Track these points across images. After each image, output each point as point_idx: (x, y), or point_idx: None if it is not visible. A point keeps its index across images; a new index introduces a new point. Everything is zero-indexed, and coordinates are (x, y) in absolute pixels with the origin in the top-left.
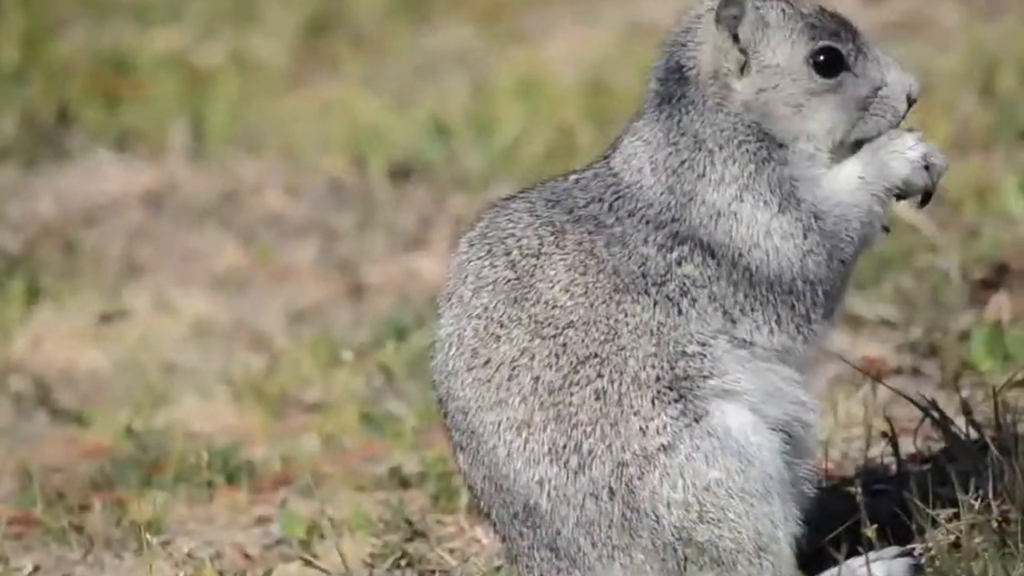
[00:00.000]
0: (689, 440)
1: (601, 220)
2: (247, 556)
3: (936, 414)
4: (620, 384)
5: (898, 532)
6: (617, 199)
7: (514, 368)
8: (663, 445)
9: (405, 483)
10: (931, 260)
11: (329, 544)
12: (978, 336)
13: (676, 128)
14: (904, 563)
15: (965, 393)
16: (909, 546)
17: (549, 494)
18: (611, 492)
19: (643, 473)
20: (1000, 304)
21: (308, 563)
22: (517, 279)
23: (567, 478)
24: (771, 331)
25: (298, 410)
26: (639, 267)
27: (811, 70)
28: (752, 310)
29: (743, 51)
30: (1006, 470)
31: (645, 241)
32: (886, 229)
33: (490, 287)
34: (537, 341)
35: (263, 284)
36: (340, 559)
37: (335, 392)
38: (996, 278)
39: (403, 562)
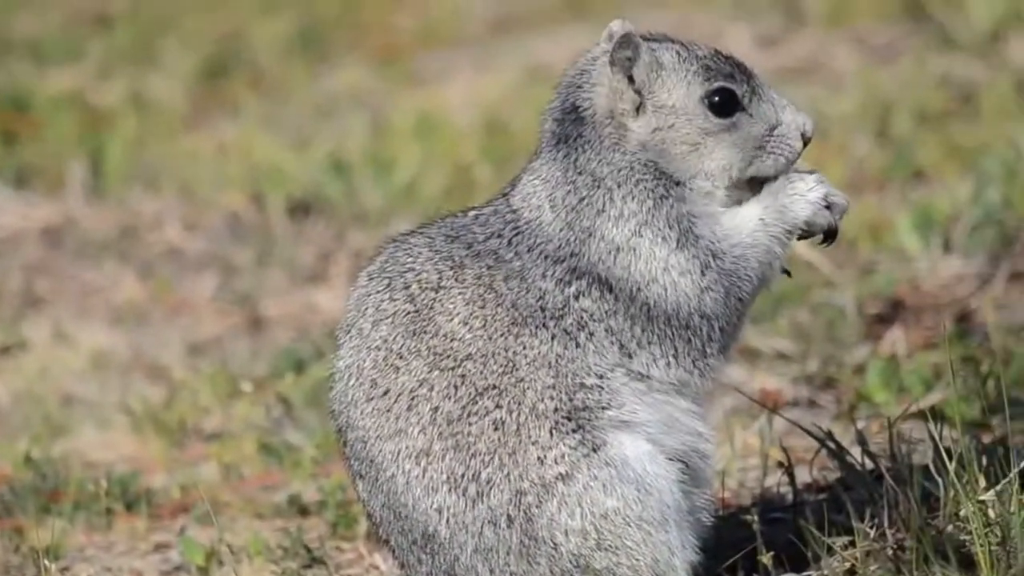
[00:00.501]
0: (587, 469)
1: (500, 255)
2: None
3: (832, 444)
4: (518, 415)
5: (794, 560)
6: (516, 235)
7: (413, 398)
8: (561, 474)
9: (304, 511)
10: (827, 295)
11: (228, 571)
12: (873, 369)
13: (574, 167)
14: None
15: (860, 424)
16: (805, 573)
17: (448, 522)
18: (509, 520)
19: (541, 501)
20: (895, 338)
21: None
22: (416, 312)
23: (465, 506)
24: (668, 365)
25: (197, 440)
26: (537, 301)
27: (706, 110)
28: (649, 344)
29: (638, 92)
30: (901, 499)
31: (543, 276)
32: (787, 272)
33: (389, 320)
34: (436, 372)
35: (162, 317)
36: None
37: (234, 422)
38: (891, 313)
39: None
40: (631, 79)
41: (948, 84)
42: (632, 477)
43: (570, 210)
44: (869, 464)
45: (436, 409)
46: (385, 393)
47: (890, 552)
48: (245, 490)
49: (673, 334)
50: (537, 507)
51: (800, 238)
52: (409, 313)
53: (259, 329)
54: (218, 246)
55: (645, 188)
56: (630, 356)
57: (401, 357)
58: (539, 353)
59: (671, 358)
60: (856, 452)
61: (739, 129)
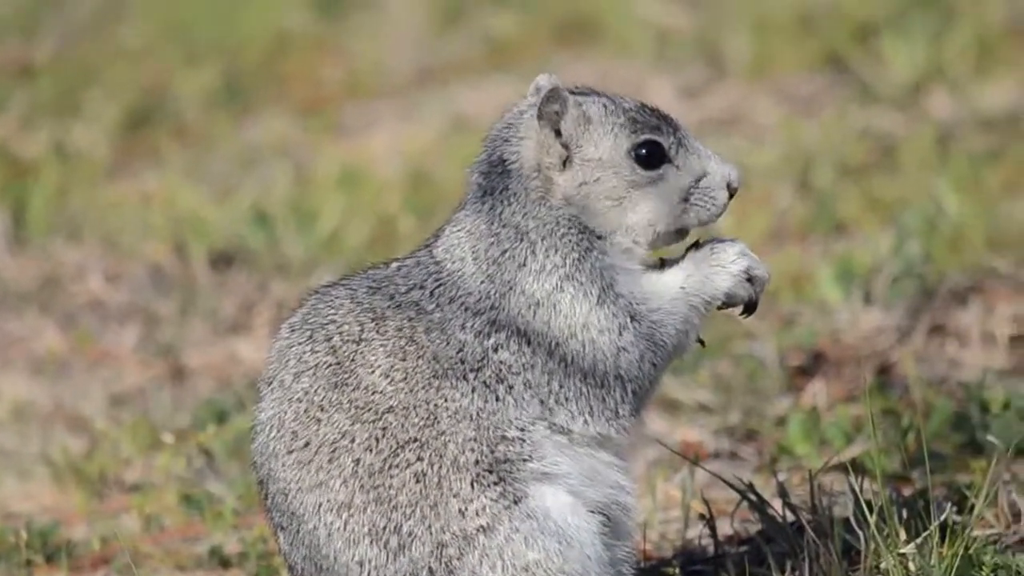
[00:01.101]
0: (508, 522)
1: (422, 307)
2: None
3: (753, 497)
4: (440, 467)
5: None
6: (438, 286)
7: (334, 451)
8: (482, 526)
9: (225, 563)
10: (748, 347)
11: None
12: (794, 421)
13: (498, 220)
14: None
15: (781, 476)
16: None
17: (369, 574)
18: (430, 572)
19: (462, 554)
20: (816, 390)
21: None
22: (338, 364)
23: (387, 559)
24: (586, 421)
25: (118, 491)
26: (457, 353)
27: (633, 163)
28: (567, 400)
29: (565, 146)
30: (821, 551)
31: (463, 327)
32: (701, 342)
33: (311, 372)
34: (357, 425)
35: (84, 368)
36: None
37: (156, 473)
38: (812, 365)
39: None
40: (558, 133)
41: (869, 137)
42: (553, 529)
43: (492, 262)
44: (790, 516)
45: (358, 461)
46: (306, 445)
47: None
48: (166, 541)
49: (589, 392)
50: (458, 559)
51: (720, 308)
52: (331, 365)
53: (181, 380)
54: (140, 297)
55: (569, 242)
56: (551, 410)
57: (323, 409)
58: (460, 406)
59: (587, 415)
60: (777, 504)
61: (666, 181)
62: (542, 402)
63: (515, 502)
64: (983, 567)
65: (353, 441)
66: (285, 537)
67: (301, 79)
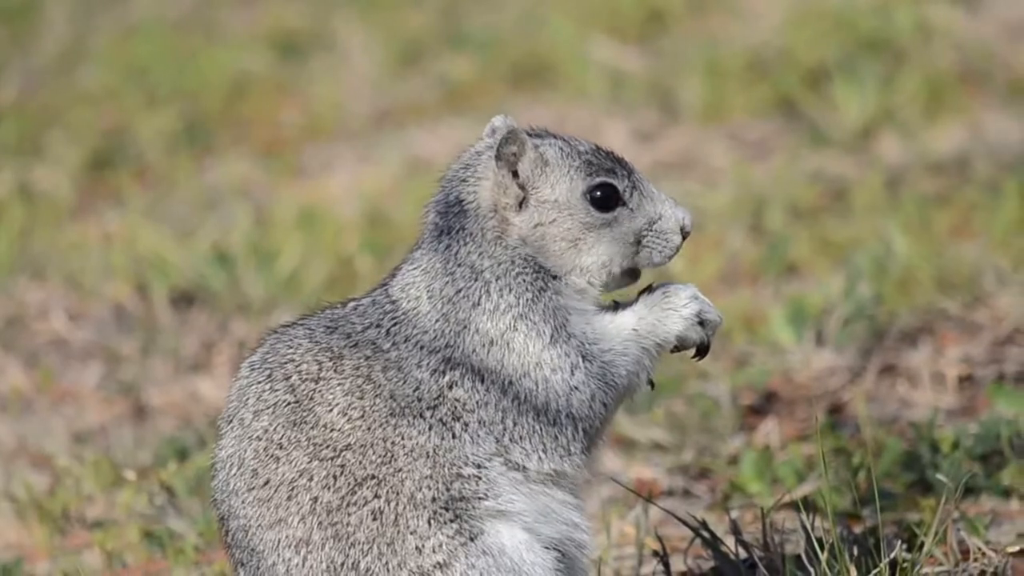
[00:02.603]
0: (464, 558)
1: (378, 345)
2: None
3: (706, 534)
4: (397, 504)
5: None
6: (394, 325)
7: (293, 488)
8: (439, 563)
9: None
10: (702, 386)
11: None
12: (747, 459)
13: (454, 259)
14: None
15: (734, 514)
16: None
17: None
18: None
19: None
20: (768, 429)
21: None
22: (296, 403)
23: None
24: (540, 458)
25: (81, 527)
26: (414, 391)
27: (588, 205)
28: (521, 438)
29: (522, 187)
30: None
31: (419, 365)
32: (651, 383)
33: (270, 410)
34: (316, 463)
35: (47, 406)
36: None
37: (117, 510)
38: (764, 405)
39: None
40: (515, 174)
41: (820, 180)
42: (509, 566)
43: (447, 301)
44: (743, 553)
45: (316, 499)
46: (266, 483)
47: None
48: None
49: (542, 430)
50: None
51: (672, 351)
52: (290, 404)
53: (143, 418)
54: (103, 336)
55: (524, 281)
56: (506, 448)
57: (281, 447)
58: (417, 444)
59: (541, 452)
60: (730, 541)
61: (620, 223)
62: (497, 439)
63: (471, 539)
64: None
65: (311, 479)
66: (245, 573)
67: (261, 121)
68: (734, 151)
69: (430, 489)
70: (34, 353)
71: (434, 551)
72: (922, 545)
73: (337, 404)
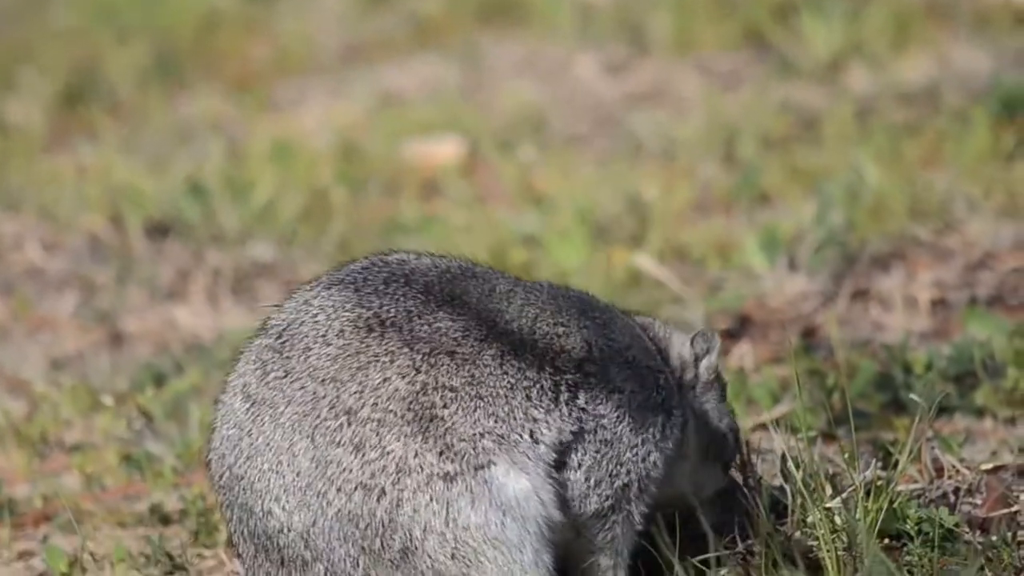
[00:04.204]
0: (472, 479)
1: None
2: None
3: None
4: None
5: (648, 566)
6: None
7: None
8: (447, 473)
9: (166, 519)
10: (677, 311)
11: None
12: None
13: None
14: None
15: None
16: None
17: (332, 478)
18: (382, 492)
19: (417, 488)
20: (743, 352)
21: None
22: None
23: (359, 464)
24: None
25: (59, 451)
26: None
27: None
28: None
29: None
30: (750, 506)
31: None
32: None
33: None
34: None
35: (23, 334)
36: None
37: (96, 434)
38: (738, 329)
39: None
40: None
41: (790, 110)
42: (500, 503)
43: None
44: None
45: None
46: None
47: (740, 558)
48: (107, 500)
49: None
50: (412, 492)
51: None
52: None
53: (119, 345)
54: (78, 266)
55: None
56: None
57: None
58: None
59: None
60: None
61: None
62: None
63: (482, 466)
64: (907, 520)
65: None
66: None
67: (231, 56)
68: (704, 83)
69: (484, 420)
70: (10, 282)
71: (451, 460)
72: (897, 463)
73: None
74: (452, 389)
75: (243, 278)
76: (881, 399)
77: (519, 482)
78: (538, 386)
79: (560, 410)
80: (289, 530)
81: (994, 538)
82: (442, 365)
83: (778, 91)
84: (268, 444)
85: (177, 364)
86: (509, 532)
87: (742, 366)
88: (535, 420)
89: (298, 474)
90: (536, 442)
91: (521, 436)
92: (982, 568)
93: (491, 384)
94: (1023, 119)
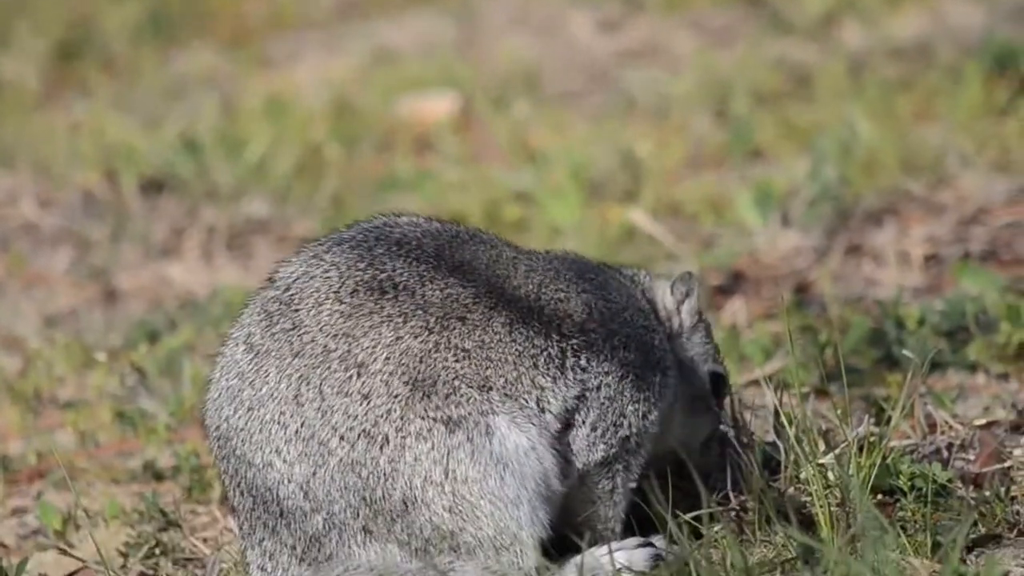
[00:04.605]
0: (474, 428)
1: None
2: (3, 546)
3: None
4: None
5: (642, 524)
6: None
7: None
8: (449, 417)
9: (159, 476)
10: (670, 267)
11: (84, 534)
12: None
13: None
14: (645, 552)
15: None
16: (651, 537)
17: (335, 426)
18: (386, 440)
19: (420, 433)
20: (736, 308)
21: (64, 552)
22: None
23: (360, 403)
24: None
25: (53, 408)
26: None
27: None
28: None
29: None
30: (743, 462)
31: None
32: None
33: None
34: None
35: (18, 290)
36: (95, 548)
37: (89, 391)
38: (731, 285)
39: (157, 551)
40: None
41: (783, 66)
42: (499, 454)
43: None
44: None
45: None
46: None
47: (733, 514)
48: (101, 456)
49: None
50: (414, 439)
51: None
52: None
53: (113, 301)
54: (73, 222)
55: None
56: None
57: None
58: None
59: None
60: None
61: None
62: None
63: (486, 413)
64: (900, 476)
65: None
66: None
67: (224, 12)
68: (697, 39)
69: (493, 375)
70: (5, 238)
71: (456, 405)
72: (889, 419)
73: None
74: (464, 350)
75: (237, 234)
76: (874, 355)
77: (520, 438)
78: (545, 354)
79: (566, 377)
80: (289, 481)
81: (987, 493)
82: (454, 329)
83: (771, 47)
84: (272, 394)
85: (171, 321)
86: (507, 488)
87: (735, 322)
88: (542, 388)
89: (302, 424)
90: (542, 411)
91: (527, 402)
92: (975, 523)
93: (500, 350)
94: (1016, 74)
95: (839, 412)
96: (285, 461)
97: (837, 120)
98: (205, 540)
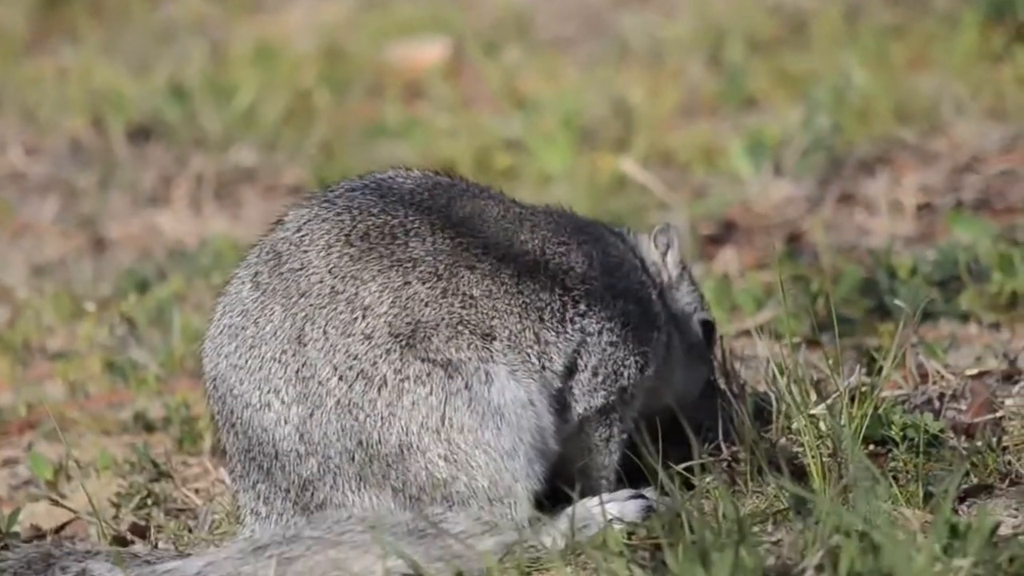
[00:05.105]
0: (473, 374)
1: None
2: None
3: None
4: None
5: (633, 476)
6: None
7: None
8: (450, 360)
9: (150, 427)
10: (661, 216)
11: (76, 485)
12: (706, 288)
13: None
14: (637, 504)
15: None
16: (643, 489)
17: (338, 369)
18: (384, 382)
19: (420, 377)
20: (727, 258)
21: (56, 502)
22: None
23: (364, 347)
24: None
25: (42, 359)
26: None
27: None
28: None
29: None
30: (734, 413)
31: None
32: None
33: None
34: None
35: (5, 240)
36: (87, 499)
37: (79, 341)
38: (723, 234)
39: (149, 501)
40: None
41: (779, 13)
42: (496, 404)
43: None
44: None
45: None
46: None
47: (724, 465)
48: (91, 407)
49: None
50: (413, 382)
51: None
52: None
53: (102, 251)
54: (60, 170)
55: None
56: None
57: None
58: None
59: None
60: None
61: None
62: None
63: (485, 361)
64: (892, 426)
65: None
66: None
67: None
68: None
69: (484, 322)
70: None
71: (457, 350)
72: (881, 369)
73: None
74: (471, 297)
75: (226, 183)
76: (866, 304)
77: (519, 391)
78: (549, 308)
79: (567, 331)
80: (285, 422)
81: (979, 443)
82: (463, 276)
83: None
84: (275, 333)
85: (160, 270)
86: (503, 439)
87: (727, 272)
88: (545, 343)
89: (304, 364)
90: (543, 368)
91: (529, 356)
92: (967, 473)
93: (507, 301)
94: (1012, 20)
95: (831, 362)
96: (283, 402)
97: (832, 68)
98: (197, 491)
